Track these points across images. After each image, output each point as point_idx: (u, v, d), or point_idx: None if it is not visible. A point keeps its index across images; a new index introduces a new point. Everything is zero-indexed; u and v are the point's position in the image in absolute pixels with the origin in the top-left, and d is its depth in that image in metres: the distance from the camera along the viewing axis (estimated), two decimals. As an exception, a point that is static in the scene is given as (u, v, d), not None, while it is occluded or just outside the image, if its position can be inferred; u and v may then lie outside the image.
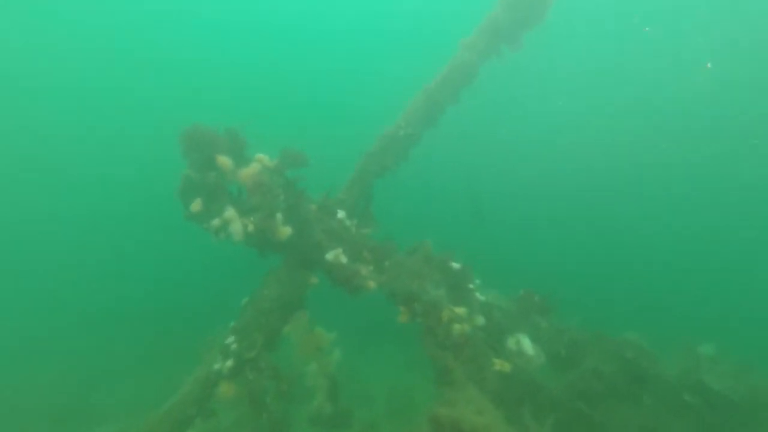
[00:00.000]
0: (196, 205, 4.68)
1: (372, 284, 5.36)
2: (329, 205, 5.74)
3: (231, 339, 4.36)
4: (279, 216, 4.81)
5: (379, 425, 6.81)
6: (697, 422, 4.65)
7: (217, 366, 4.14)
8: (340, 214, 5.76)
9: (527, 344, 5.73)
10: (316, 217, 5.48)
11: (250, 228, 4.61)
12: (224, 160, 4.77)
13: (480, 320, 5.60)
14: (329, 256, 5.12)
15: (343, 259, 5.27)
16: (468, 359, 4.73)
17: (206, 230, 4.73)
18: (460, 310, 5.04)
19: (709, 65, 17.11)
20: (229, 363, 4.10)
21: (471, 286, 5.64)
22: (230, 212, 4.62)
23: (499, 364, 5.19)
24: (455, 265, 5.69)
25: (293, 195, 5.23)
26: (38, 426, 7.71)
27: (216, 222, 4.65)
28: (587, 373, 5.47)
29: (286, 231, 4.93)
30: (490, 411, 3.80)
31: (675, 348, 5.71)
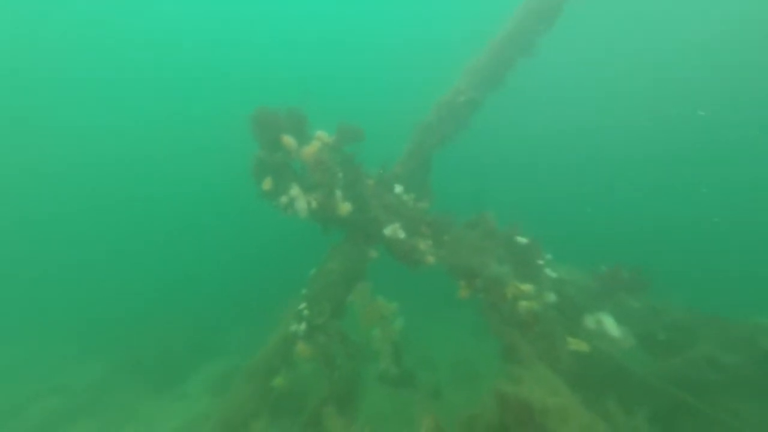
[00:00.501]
0: (267, 184, 5.09)
1: (431, 259, 5.31)
2: (386, 180, 5.74)
3: (303, 305, 4.85)
4: (338, 193, 4.99)
5: (442, 390, 7.00)
6: None
7: (292, 328, 4.69)
8: (398, 188, 5.73)
9: (610, 324, 5.11)
10: (373, 192, 5.55)
11: (314, 204, 4.90)
12: (288, 140, 5.00)
13: (551, 297, 5.15)
14: (387, 231, 5.19)
15: (401, 234, 5.29)
16: (537, 337, 4.44)
17: (276, 207, 5.14)
18: (527, 287, 4.68)
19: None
20: (303, 326, 4.61)
21: (540, 261, 5.17)
22: (295, 190, 4.96)
23: (575, 344, 4.76)
24: (521, 240, 5.24)
25: (351, 171, 5.37)
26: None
27: (284, 199, 5.03)
28: (698, 360, 4.63)
29: (346, 207, 5.13)
30: (565, 392, 3.53)
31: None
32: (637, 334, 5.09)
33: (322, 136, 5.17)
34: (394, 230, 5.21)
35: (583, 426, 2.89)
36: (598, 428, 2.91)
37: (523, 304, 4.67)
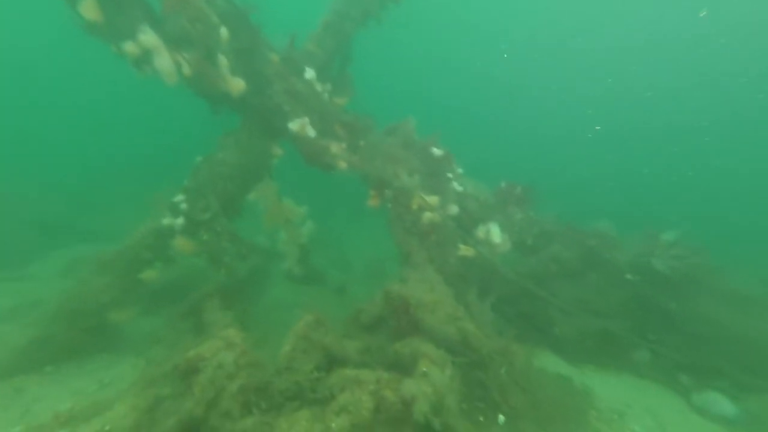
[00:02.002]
0: (90, 9, 3.25)
1: (343, 164, 4.85)
2: (295, 59, 4.53)
3: (180, 198, 4.06)
4: (223, 60, 3.71)
5: (350, 285, 7.67)
6: (631, 295, 5.28)
7: (165, 221, 4.00)
8: (309, 73, 4.63)
9: (496, 233, 5.83)
10: (277, 72, 4.38)
11: (186, 70, 3.56)
12: None
13: (454, 209, 5.47)
14: (293, 125, 4.36)
15: (311, 132, 4.54)
16: (433, 245, 4.80)
17: (120, 55, 3.53)
18: (432, 199, 4.77)
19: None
20: (180, 221, 3.95)
21: (450, 174, 5.22)
22: (150, 37, 3.38)
23: (464, 250, 5.35)
24: (437, 151, 5.09)
25: (246, 33, 3.98)
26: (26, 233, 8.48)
27: (131, 47, 3.41)
28: (545, 257, 5.80)
29: (238, 84, 3.95)
30: (441, 289, 4.03)
31: (641, 235, 5.98)
32: (515, 240, 6.03)
33: None
34: (302, 126, 4.40)
35: (447, 314, 3.39)
36: (457, 314, 3.45)
37: (427, 215, 4.84)
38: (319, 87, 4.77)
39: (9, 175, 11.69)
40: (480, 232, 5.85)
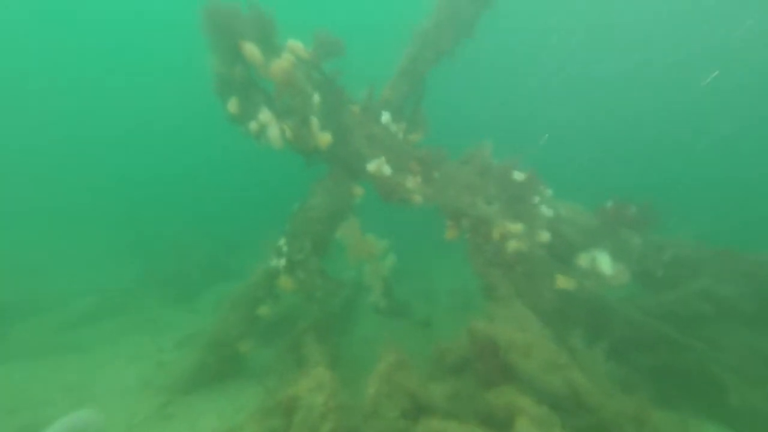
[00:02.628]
0: (233, 105, 4.38)
1: (418, 198, 4.97)
2: (373, 107, 5.04)
3: (282, 241, 4.80)
4: (315, 120, 4.42)
5: (436, 319, 7.46)
6: None
7: (273, 263, 4.75)
8: (385, 116, 5.06)
9: (605, 261, 4.92)
10: (358, 121, 4.94)
11: (288, 134, 4.39)
12: (252, 50, 4.06)
13: (545, 236, 4.88)
14: (370, 166, 4.76)
15: (387, 170, 4.86)
16: (521, 277, 4.33)
17: (247, 135, 4.57)
18: (516, 227, 4.38)
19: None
20: (282, 261, 4.64)
21: (536, 198, 4.74)
22: (265, 114, 4.36)
23: (563, 281, 4.67)
24: (518, 175, 4.73)
25: (332, 95, 4.68)
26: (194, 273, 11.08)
27: (253, 125, 4.39)
28: (690, 293, 4.46)
29: (326, 138, 4.61)
30: (535, 329, 3.54)
31: None
32: (636, 271, 4.91)
33: (295, 47, 4.28)
34: (378, 165, 4.77)
35: (545, 360, 2.91)
36: (560, 361, 2.92)
37: (511, 243, 4.45)
38: (394, 128, 5.14)
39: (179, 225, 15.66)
40: (582, 260, 5.03)
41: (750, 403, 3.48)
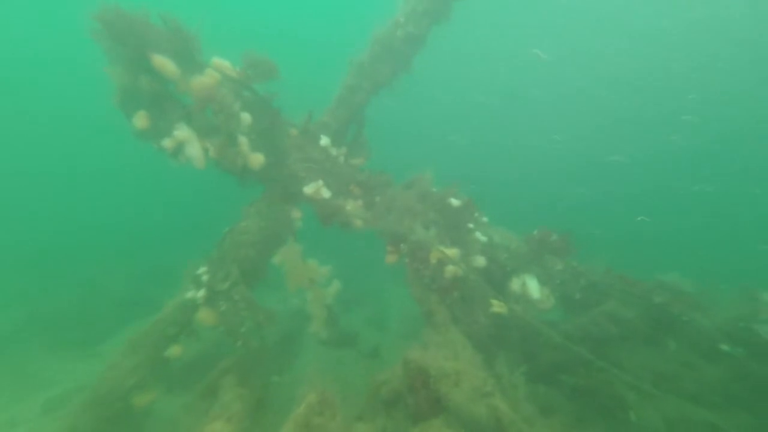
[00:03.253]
0: (141, 120, 3.94)
1: (359, 222, 4.88)
2: (311, 130, 4.96)
3: (203, 269, 4.26)
4: (244, 140, 4.16)
5: (385, 347, 7.13)
6: (733, 371, 4.08)
7: (189, 294, 4.15)
8: (324, 140, 5.00)
9: (533, 286, 5.20)
10: (295, 143, 4.79)
11: (212, 152, 4.04)
12: (164, 63, 3.77)
13: (480, 261, 5.06)
14: (307, 189, 4.58)
15: (326, 193, 4.72)
16: (457, 302, 4.36)
17: (159, 150, 4.09)
18: (452, 251, 4.47)
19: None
20: (202, 293, 4.08)
21: (471, 225, 4.95)
22: (184, 131, 3.97)
23: (497, 306, 4.79)
24: (455, 202, 4.93)
25: (266, 115, 4.50)
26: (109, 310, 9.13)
27: (168, 143, 3.97)
28: (600, 316, 4.88)
29: (257, 159, 4.35)
30: (466, 356, 3.50)
31: (733, 293, 4.85)
32: (558, 295, 5.28)
33: (221, 65, 4.07)
34: (316, 188, 4.61)
35: (474, 388, 2.85)
36: (486, 389, 2.88)
37: (449, 268, 4.51)
38: (334, 151, 5.09)
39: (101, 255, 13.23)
40: (514, 285, 5.27)
41: (645, 419, 3.77)
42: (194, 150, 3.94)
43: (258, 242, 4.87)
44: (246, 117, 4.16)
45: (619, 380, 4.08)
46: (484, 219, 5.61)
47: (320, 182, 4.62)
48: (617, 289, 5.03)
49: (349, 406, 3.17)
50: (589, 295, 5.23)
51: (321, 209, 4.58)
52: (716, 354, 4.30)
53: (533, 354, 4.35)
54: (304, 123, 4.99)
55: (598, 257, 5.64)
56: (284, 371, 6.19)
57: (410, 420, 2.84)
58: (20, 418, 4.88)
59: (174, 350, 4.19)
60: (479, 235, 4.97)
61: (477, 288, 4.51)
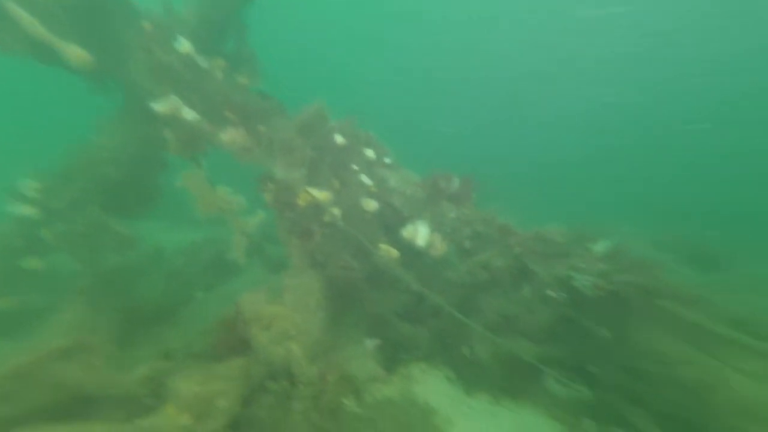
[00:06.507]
0: None
1: (241, 153, 4.33)
2: (166, 25, 3.96)
3: (33, 184, 3.82)
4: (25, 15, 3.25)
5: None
6: (555, 314, 4.58)
7: (12, 208, 3.80)
8: (184, 44, 4.04)
9: (422, 234, 5.20)
10: (143, 43, 3.85)
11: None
12: None
13: (371, 205, 4.87)
14: (159, 106, 3.88)
15: (187, 114, 4.05)
16: (320, 247, 4.29)
17: None
18: (322, 194, 4.20)
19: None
20: (30, 209, 3.73)
21: (355, 167, 4.57)
22: None
23: (386, 250, 4.83)
24: (339, 139, 4.42)
25: None
26: None
27: None
28: (475, 265, 5.10)
29: (77, 53, 3.49)
30: (309, 301, 3.61)
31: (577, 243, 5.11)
32: (452, 241, 5.34)
33: None
34: (170, 106, 3.91)
35: (282, 332, 3.01)
36: (293, 331, 3.05)
37: (328, 213, 4.30)
38: (202, 62, 4.20)
39: None
40: (407, 232, 5.24)
41: (480, 356, 4.26)
42: None
43: (120, 161, 4.37)
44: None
45: (461, 322, 4.48)
46: (387, 160, 5.22)
47: (174, 98, 3.90)
48: (496, 239, 5.14)
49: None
50: (477, 244, 5.34)
51: (178, 133, 3.99)
52: (549, 299, 4.70)
53: (391, 300, 4.57)
54: (159, 16, 3.94)
55: (495, 203, 5.57)
56: (211, 289, 6.41)
57: (216, 359, 3.00)
58: None
59: (30, 262, 4.09)
60: (364, 178, 4.65)
61: (346, 233, 4.42)
